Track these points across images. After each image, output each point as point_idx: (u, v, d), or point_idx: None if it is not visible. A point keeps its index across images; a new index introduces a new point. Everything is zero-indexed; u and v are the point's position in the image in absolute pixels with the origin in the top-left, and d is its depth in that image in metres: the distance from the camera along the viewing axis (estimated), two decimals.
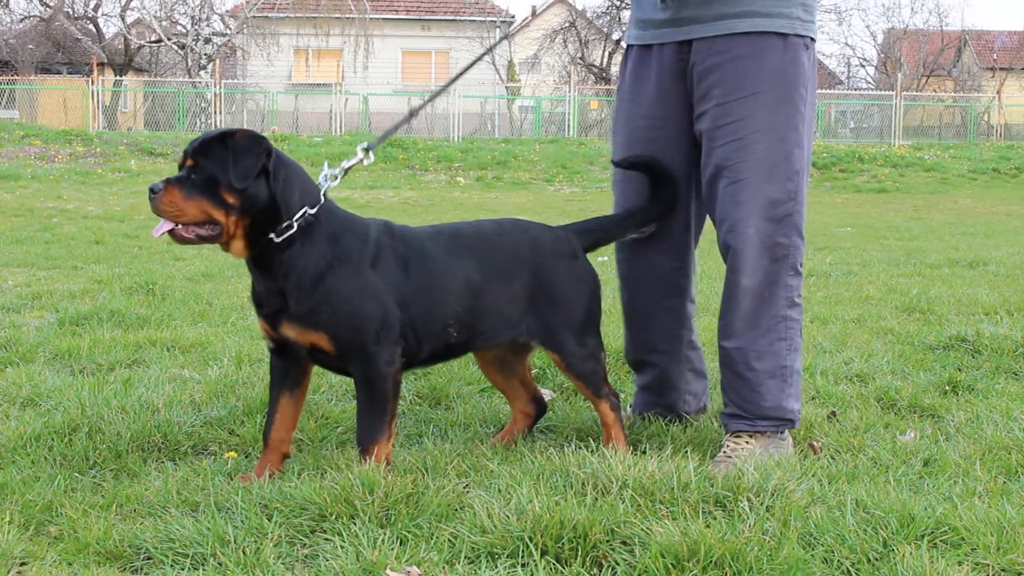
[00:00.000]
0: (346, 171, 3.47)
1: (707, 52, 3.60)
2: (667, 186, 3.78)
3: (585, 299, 3.66)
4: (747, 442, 3.63)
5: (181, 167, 3.22)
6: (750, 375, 3.66)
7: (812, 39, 3.65)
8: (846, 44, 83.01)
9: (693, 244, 3.96)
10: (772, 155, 3.55)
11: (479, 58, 4.29)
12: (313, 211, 3.27)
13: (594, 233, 3.82)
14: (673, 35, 3.67)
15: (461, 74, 4.15)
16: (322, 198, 3.32)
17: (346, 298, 3.27)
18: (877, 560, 2.71)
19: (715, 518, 2.87)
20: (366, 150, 3.58)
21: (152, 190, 3.17)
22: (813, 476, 3.29)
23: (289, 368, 3.44)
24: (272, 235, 3.22)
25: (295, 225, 3.23)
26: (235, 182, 3.14)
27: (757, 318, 3.63)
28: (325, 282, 3.25)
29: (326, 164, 3.46)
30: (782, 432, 3.71)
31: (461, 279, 3.46)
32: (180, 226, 3.17)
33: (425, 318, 3.40)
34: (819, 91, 42.40)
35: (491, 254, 3.55)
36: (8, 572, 2.66)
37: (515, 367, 3.84)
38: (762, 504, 2.96)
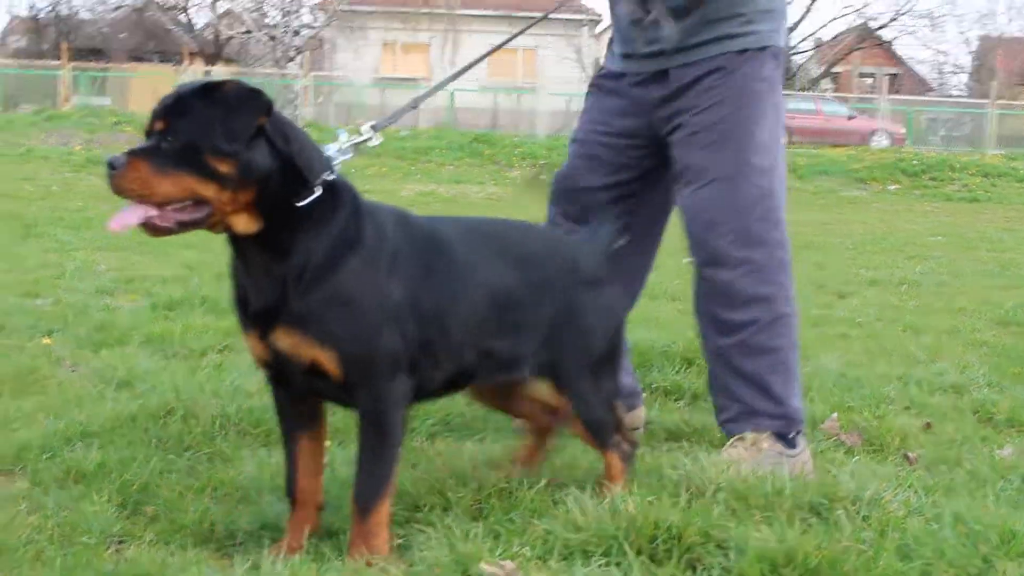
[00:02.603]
0: (355, 146, 2.89)
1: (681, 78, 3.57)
2: None
3: (610, 333, 3.17)
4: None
5: (148, 134, 2.50)
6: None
7: (746, 50, 3.48)
8: (938, 51, 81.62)
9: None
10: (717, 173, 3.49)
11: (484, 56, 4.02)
12: (332, 177, 2.63)
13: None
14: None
15: (469, 67, 3.82)
16: (336, 171, 2.69)
17: (360, 302, 2.61)
18: None
19: (810, 525, 2.83)
20: (373, 128, 3.02)
21: (111, 165, 2.43)
22: (909, 487, 3.23)
23: (299, 402, 2.79)
24: (295, 201, 2.55)
25: (319, 189, 2.58)
26: (225, 144, 2.44)
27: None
28: (337, 274, 2.58)
29: (342, 132, 2.92)
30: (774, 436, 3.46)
31: (487, 286, 2.89)
32: (155, 214, 2.45)
33: (444, 334, 2.79)
34: (909, 98, 41.96)
35: (523, 261, 2.99)
36: (107, 549, 2.70)
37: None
38: (858, 513, 2.91)
